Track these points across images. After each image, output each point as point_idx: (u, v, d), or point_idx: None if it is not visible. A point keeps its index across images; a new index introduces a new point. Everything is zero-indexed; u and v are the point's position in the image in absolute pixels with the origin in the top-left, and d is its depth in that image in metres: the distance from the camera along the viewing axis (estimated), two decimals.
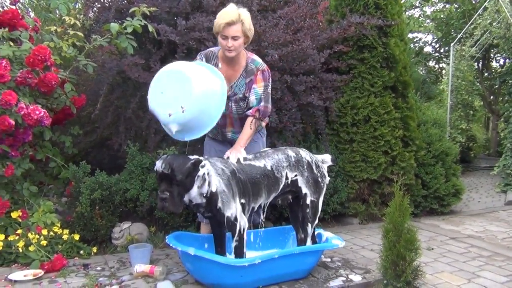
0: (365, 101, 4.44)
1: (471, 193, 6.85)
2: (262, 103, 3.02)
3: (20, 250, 3.00)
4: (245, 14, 2.92)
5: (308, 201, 2.97)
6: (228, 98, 2.97)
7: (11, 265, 3.02)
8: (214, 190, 2.59)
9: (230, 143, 3.12)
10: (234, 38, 2.87)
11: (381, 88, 4.49)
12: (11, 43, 3.28)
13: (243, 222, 2.67)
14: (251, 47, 3.71)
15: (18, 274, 2.80)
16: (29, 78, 3.13)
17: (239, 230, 2.66)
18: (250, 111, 3.01)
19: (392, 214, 2.54)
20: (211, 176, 2.60)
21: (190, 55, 3.77)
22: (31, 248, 3.01)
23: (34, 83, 3.19)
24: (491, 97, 13.93)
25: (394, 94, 4.62)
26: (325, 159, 3.19)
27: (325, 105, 4.17)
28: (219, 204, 2.61)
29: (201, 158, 2.63)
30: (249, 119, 3.00)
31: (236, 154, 2.82)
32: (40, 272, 2.84)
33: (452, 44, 9.00)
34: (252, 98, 3.02)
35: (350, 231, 4.23)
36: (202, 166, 2.58)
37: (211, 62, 3.01)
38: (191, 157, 2.59)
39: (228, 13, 2.87)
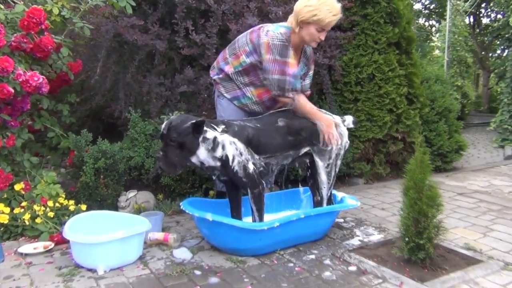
0: (369, 59, 4.30)
1: (469, 150, 6.86)
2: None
3: (27, 223, 2.90)
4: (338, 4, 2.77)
5: (323, 164, 2.89)
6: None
7: (18, 238, 2.92)
8: (230, 154, 2.50)
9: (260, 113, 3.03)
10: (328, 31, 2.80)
11: (385, 45, 4.35)
12: (2, 6, 3.08)
13: (261, 185, 2.59)
14: (254, 4, 3.54)
15: (27, 247, 2.71)
16: (24, 43, 2.94)
17: (258, 193, 2.58)
18: (309, 91, 3.09)
19: (412, 171, 2.48)
20: (225, 140, 2.50)
21: (189, 15, 3.59)
22: (38, 220, 2.91)
23: (29, 48, 3.00)
24: (482, 53, 13.90)
25: (398, 50, 4.49)
26: (347, 121, 3.11)
27: (329, 63, 4.05)
28: (236, 168, 2.52)
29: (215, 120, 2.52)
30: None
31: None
32: (50, 244, 2.76)
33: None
34: (307, 82, 3.06)
35: (357, 191, 4.19)
36: (214, 129, 2.48)
37: (290, 47, 2.80)
38: (197, 118, 2.48)
39: (336, 8, 2.71)
